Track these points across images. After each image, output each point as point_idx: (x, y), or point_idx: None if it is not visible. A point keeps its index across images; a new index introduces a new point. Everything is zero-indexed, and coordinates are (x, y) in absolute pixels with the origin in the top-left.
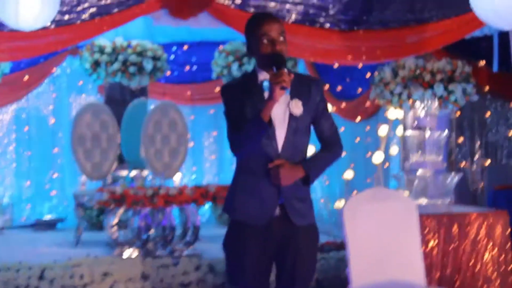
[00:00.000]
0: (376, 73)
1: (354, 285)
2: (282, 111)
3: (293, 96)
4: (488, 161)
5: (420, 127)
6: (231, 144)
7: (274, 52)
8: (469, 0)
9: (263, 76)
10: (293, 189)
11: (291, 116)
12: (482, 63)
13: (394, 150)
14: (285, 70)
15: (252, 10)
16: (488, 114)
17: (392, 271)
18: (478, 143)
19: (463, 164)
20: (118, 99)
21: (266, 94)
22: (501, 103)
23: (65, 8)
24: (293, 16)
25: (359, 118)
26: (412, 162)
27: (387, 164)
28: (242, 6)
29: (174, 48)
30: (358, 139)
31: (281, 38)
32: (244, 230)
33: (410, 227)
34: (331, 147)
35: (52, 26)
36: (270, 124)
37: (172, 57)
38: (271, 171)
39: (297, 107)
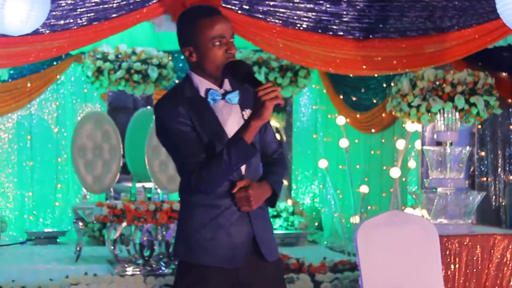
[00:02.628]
0: (393, 84)
1: None
2: (236, 124)
3: (243, 106)
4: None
5: (440, 142)
6: (197, 182)
7: (235, 60)
8: (497, 7)
9: (206, 86)
10: (260, 216)
11: None
12: (505, 74)
13: (412, 164)
14: (270, 82)
15: (261, 16)
16: (511, 127)
17: None
18: (500, 158)
19: (484, 180)
20: (121, 108)
21: (216, 109)
22: None
23: (60, 13)
24: (305, 23)
25: (374, 130)
26: (432, 179)
27: (403, 178)
28: (250, 12)
29: (181, 55)
30: (373, 151)
31: (232, 40)
32: (207, 276)
33: (431, 254)
34: (281, 161)
35: (47, 31)
36: (254, 146)
37: (179, 64)
38: (237, 196)
39: None
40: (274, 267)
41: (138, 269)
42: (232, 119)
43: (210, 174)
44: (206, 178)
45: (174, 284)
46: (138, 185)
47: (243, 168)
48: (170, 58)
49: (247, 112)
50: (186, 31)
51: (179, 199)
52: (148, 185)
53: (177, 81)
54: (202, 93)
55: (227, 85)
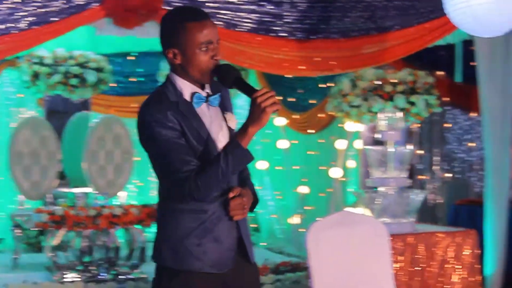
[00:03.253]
0: (333, 84)
1: None
2: (220, 128)
3: (224, 108)
4: (448, 175)
5: (380, 141)
6: (191, 190)
7: (223, 64)
8: (444, 6)
9: (190, 89)
10: (244, 219)
11: (231, 131)
12: (442, 73)
13: (351, 164)
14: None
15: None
16: (447, 126)
17: None
18: (437, 157)
19: (422, 178)
20: (59, 113)
21: (201, 112)
22: (461, 115)
23: (0, 17)
24: (247, 25)
25: (311, 130)
26: (374, 178)
27: (343, 178)
28: None
29: (119, 59)
30: (311, 152)
31: (218, 44)
32: (194, 281)
33: (381, 252)
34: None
35: None
36: (250, 153)
37: (117, 68)
38: (232, 204)
39: (232, 120)
40: (255, 268)
41: (78, 276)
42: (215, 123)
43: (206, 181)
44: (202, 185)
45: None
46: (76, 190)
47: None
48: (107, 61)
49: (228, 116)
50: (172, 33)
51: (157, 204)
52: (87, 190)
53: (113, 85)
54: (187, 97)
55: (207, 88)
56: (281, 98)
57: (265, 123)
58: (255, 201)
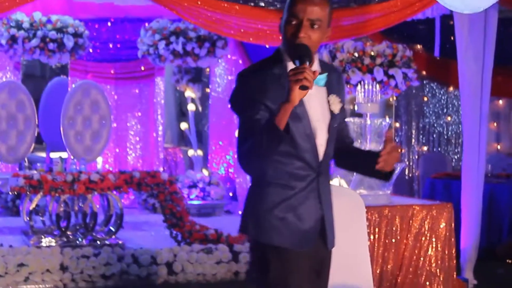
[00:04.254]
0: None
1: None
2: (320, 108)
3: (330, 90)
4: (425, 148)
5: (359, 114)
6: (239, 156)
7: (298, 42)
8: None
9: (290, 65)
10: (328, 203)
11: (332, 114)
12: (420, 47)
13: None
14: (307, 64)
15: None
16: (425, 99)
17: (338, 276)
18: (414, 130)
19: None
20: (36, 77)
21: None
22: (439, 89)
23: None
24: None
25: None
26: None
27: None
28: None
29: (97, 25)
30: None
31: (315, 25)
32: (290, 257)
33: (358, 225)
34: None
35: None
36: (287, 131)
37: (95, 34)
38: (389, 148)
39: (336, 104)
40: (330, 257)
41: (54, 241)
42: (315, 101)
43: (246, 154)
44: (243, 157)
45: (254, 264)
46: (53, 155)
47: (321, 151)
48: (85, 27)
49: (333, 98)
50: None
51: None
52: (63, 155)
53: (91, 50)
54: (286, 69)
55: (316, 66)
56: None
57: (291, 99)
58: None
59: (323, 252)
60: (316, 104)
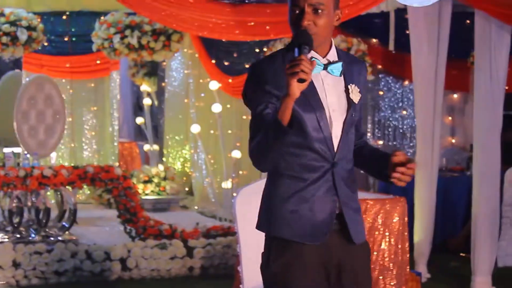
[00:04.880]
0: (266, 49)
1: (246, 286)
2: (337, 97)
3: (349, 79)
4: (381, 142)
5: None
6: (249, 153)
7: (300, 29)
8: None
9: (309, 55)
10: (349, 196)
11: (350, 104)
12: (375, 40)
13: None
14: (306, 55)
15: None
16: (380, 93)
17: None
18: (370, 124)
19: None
20: None
21: (317, 77)
22: (394, 83)
23: None
24: None
25: None
26: None
27: None
28: None
29: (52, 18)
30: (245, 117)
31: (319, 10)
32: (296, 251)
33: None
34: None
35: None
36: (291, 125)
37: (50, 27)
38: (406, 169)
39: (355, 94)
40: (362, 250)
41: (6, 237)
42: (332, 90)
43: (254, 150)
44: (252, 153)
45: (262, 256)
46: (6, 150)
47: (335, 142)
48: (39, 20)
49: (352, 87)
50: None
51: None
52: (17, 150)
53: (46, 44)
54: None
55: (332, 55)
56: (214, 61)
57: (290, 93)
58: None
59: (342, 250)
60: (333, 94)
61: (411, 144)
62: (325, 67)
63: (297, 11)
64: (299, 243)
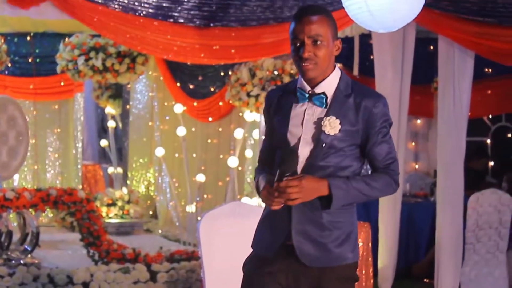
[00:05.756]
0: (231, 72)
1: None
2: (311, 126)
3: (332, 112)
4: None
5: None
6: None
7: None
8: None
9: (299, 84)
10: (308, 217)
11: (323, 133)
12: (339, 65)
13: (249, 153)
14: (281, 184)
15: (100, 1)
16: None
17: None
18: None
19: None
20: None
21: (299, 107)
22: None
23: None
24: (145, 10)
25: (211, 118)
26: None
27: (240, 168)
28: None
29: (16, 38)
30: (210, 140)
31: (318, 41)
32: (257, 262)
33: None
34: (381, 175)
35: None
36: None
37: (13, 48)
38: (286, 184)
39: (332, 126)
40: (320, 275)
41: None
42: (309, 120)
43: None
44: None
45: None
46: None
47: (300, 164)
48: (3, 41)
49: (329, 120)
50: None
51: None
52: None
53: (10, 65)
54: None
55: (325, 86)
56: (179, 84)
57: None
58: (330, 195)
59: (298, 269)
60: (309, 124)
61: None
62: (310, 97)
63: (298, 44)
64: (258, 256)
